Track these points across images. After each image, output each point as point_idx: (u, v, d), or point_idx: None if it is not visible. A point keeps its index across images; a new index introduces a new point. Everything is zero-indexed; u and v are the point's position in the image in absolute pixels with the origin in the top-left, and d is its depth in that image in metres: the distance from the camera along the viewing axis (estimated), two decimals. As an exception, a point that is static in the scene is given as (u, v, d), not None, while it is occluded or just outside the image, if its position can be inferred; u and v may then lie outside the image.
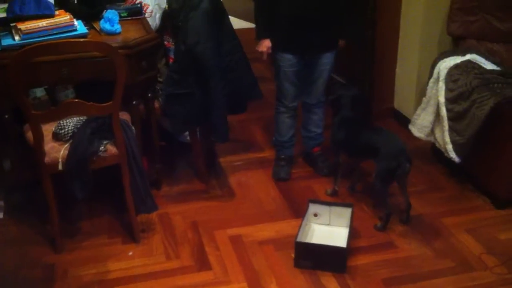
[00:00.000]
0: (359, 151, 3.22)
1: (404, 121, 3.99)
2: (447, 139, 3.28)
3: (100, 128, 2.81)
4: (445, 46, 3.79)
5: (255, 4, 3.30)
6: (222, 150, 3.85)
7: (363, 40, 4.11)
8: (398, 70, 4.20)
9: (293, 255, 2.83)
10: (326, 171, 3.60)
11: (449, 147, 3.28)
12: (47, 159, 2.70)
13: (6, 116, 2.88)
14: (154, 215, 3.21)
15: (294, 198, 3.39)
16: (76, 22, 2.94)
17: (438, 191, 3.45)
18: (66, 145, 2.75)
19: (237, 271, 2.80)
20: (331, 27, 3.28)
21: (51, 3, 2.98)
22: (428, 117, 3.46)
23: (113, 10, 3.08)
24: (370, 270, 2.80)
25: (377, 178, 3.03)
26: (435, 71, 3.41)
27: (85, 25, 3.01)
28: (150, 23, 3.29)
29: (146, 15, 3.36)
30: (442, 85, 3.32)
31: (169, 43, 3.42)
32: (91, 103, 2.64)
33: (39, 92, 3.40)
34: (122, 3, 3.35)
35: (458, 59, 3.38)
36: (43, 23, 2.83)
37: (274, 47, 3.30)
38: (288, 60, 3.32)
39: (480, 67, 3.30)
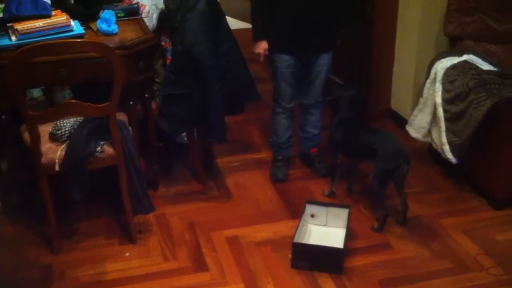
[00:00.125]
0: (357, 152, 3.22)
1: (401, 121, 3.99)
2: (444, 140, 3.28)
3: (97, 129, 2.81)
4: (442, 47, 3.79)
5: (252, 5, 3.29)
6: (219, 151, 3.85)
7: (360, 40, 4.11)
8: (395, 71, 4.20)
9: (290, 256, 2.83)
10: (323, 172, 3.60)
11: (446, 148, 3.28)
12: (43, 160, 2.69)
13: (3, 117, 2.88)
14: (151, 216, 3.21)
15: (291, 199, 3.39)
16: (72, 23, 2.94)
17: (435, 192, 3.46)
18: (63, 146, 2.74)
19: (234, 272, 2.80)
20: (329, 28, 3.29)
21: (48, 3, 2.97)
22: (425, 118, 3.46)
23: (110, 11, 3.08)
24: (367, 271, 2.80)
25: (375, 180, 3.03)
26: (432, 71, 3.41)
27: (81, 26, 3.01)
28: (147, 23, 3.28)
29: (143, 15, 3.36)
30: (439, 86, 3.32)
31: (166, 43, 3.42)
32: (88, 103, 2.64)
33: (36, 92, 3.39)
34: (119, 4, 3.34)
35: (455, 60, 3.39)
36: (39, 23, 2.83)
37: (271, 48, 3.30)
38: (285, 61, 3.32)
39: (477, 67, 3.30)
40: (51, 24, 2.85)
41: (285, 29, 3.25)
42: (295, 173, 3.66)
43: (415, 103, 3.61)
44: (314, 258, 2.79)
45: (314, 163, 3.67)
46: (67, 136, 2.77)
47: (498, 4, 3.60)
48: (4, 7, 2.93)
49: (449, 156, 3.28)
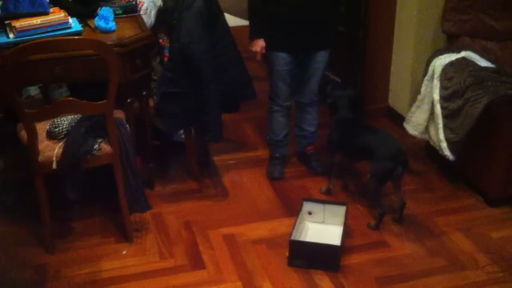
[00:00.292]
0: (355, 151, 3.22)
1: (398, 119, 3.99)
2: (442, 137, 3.29)
3: (94, 127, 2.81)
4: (439, 44, 3.79)
5: (249, 4, 3.29)
6: (215, 149, 3.85)
7: (356, 37, 4.12)
8: (392, 68, 4.21)
9: (286, 254, 2.84)
10: (320, 170, 3.60)
11: (444, 145, 3.29)
12: (41, 158, 2.69)
13: (0, 115, 2.87)
14: (147, 215, 3.21)
15: (288, 197, 3.40)
16: (70, 20, 2.93)
17: (431, 190, 3.47)
18: (60, 144, 2.74)
19: (231, 270, 2.80)
20: (326, 26, 3.29)
21: (45, 0, 2.96)
22: (423, 115, 3.46)
23: (108, 8, 3.07)
24: (363, 269, 2.81)
25: (372, 179, 3.03)
26: (430, 68, 3.42)
27: (79, 23, 3.00)
28: (145, 20, 3.27)
29: (141, 12, 3.35)
30: (436, 83, 3.32)
31: (163, 41, 3.41)
32: (85, 101, 2.63)
33: (33, 90, 3.39)
34: (117, 1, 3.33)
35: (453, 57, 3.39)
36: (37, 20, 2.82)
37: (268, 46, 3.30)
38: (282, 59, 3.32)
39: (474, 64, 3.30)
40: (49, 21, 2.84)
41: (281, 27, 3.24)
42: (291, 171, 3.66)
43: (413, 100, 3.61)
44: (310, 256, 2.79)
45: (310, 161, 3.67)
46: (65, 134, 2.77)
47: (494, 1, 3.60)
48: (2, 4, 2.92)
49: (447, 153, 3.28)
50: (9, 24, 2.83)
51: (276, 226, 3.12)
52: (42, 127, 2.80)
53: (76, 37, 2.83)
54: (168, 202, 3.33)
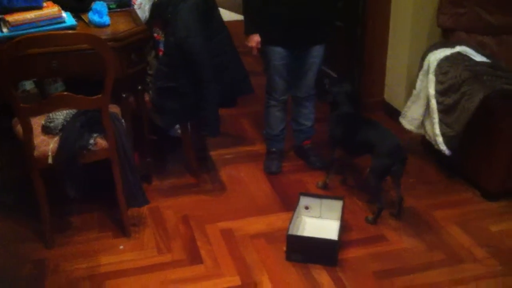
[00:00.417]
0: (356, 147, 3.20)
1: (394, 113, 4.00)
2: (437, 131, 3.29)
3: (90, 122, 2.79)
4: (435, 39, 3.79)
5: (245, 1, 3.27)
6: (213, 144, 3.84)
7: (354, 33, 4.11)
8: (388, 63, 4.21)
9: (284, 248, 2.83)
10: (319, 164, 3.60)
11: (439, 139, 3.28)
12: (36, 153, 2.67)
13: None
14: (145, 209, 3.19)
15: (285, 191, 3.39)
16: (64, 14, 2.91)
17: (429, 184, 3.47)
18: (56, 138, 2.72)
19: (229, 264, 2.79)
20: (322, 21, 3.28)
21: (39, -6, 2.94)
22: (418, 110, 3.46)
23: (102, 2, 3.05)
24: (361, 263, 2.80)
25: (372, 174, 3.03)
26: (425, 63, 3.41)
27: (73, 17, 2.98)
28: (140, 15, 3.26)
29: (135, 6, 3.33)
30: (432, 78, 3.32)
31: (158, 35, 3.39)
32: (81, 96, 2.62)
33: (28, 85, 3.37)
34: (111, -5, 3.32)
35: (448, 51, 3.38)
36: (31, 15, 2.80)
37: (263, 41, 3.29)
38: (278, 53, 3.31)
39: (470, 59, 3.30)
40: (43, 15, 2.82)
41: (277, 22, 3.23)
42: (288, 166, 3.66)
43: (408, 94, 3.61)
44: (308, 250, 2.79)
45: (308, 156, 3.67)
46: (60, 129, 2.75)
47: (490, -5, 3.61)
48: (-5, -1, 2.90)
49: (443, 147, 3.28)
50: (3, 19, 2.80)
51: (273, 221, 3.12)
52: (37, 122, 2.78)
53: (71, 31, 2.80)
54: (166, 197, 3.32)
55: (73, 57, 2.78)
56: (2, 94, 2.52)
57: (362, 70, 4.24)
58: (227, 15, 4.05)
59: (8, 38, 2.64)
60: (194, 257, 2.84)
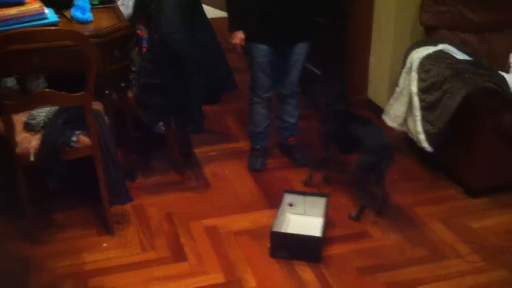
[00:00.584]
0: (348, 143, 3.18)
1: (377, 111, 4.01)
2: (420, 128, 3.31)
3: (72, 119, 2.77)
4: (418, 37, 3.81)
5: None
6: (197, 141, 3.83)
7: (337, 30, 4.12)
8: (371, 60, 4.22)
9: (268, 245, 2.83)
10: (303, 161, 3.61)
11: (422, 136, 3.30)
12: (18, 150, 2.65)
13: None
14: (128, 207, 3.18)
15: (270, 188, 3.40)
16: (46, 10, 2.89)
17: (412, 180, 3.49)
18: (38, 136, 2.70)
19: (213, 261, 2.79)
20: (305, 18, 3.29)
21: (21, -10, 2.91)
22: (401, 107, 3.48)
23: (85, -2, 3.04)
24: (344, 260, 2.81)
25: (357, 170, 3.05)
26: (408, 61, 3.43)
27: (55, 13, 2.96)
28: (123, 11, 3.24)
29: (119, 3, 3.32)
30: (414, 75, 3.34)
31: (142, 32, 3.37)
32: (63, 93, 2.60)
33: (10, 81, 3.34)
34: (94, -9, 3.29)
35: (430, 49, 3.40)
36: (13, 11, 2.77)
37: (247, 38, 3.29)
38: (262, 50, 3.31)
39: (452, 57, 3.32)
40: (25, 12, 2.80)
41: (260, 19, 3.24)
42: (273, 163, 3.66)
43: (391, 92, 3.63)
44: (292, 247, 2.80)
45: (293, 153, 3.67)
46: (42, 126, 2.73)
47: (472, -7, 3.64)
48: (-24, -6, 2.86)
49: (425, 145, 3.30)
50: (-16, 15, 2.78)
51: (258, 218, 3.12)
52: (19, 119, 2.76)
53: (54, 28, 2.79)
54: (150, 194, 3.31)
55: (56, 53, 2.76)
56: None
57: (346, 68, 4.25)
58: (211, 12, 4.03)
59: (-10, 35, 2.61)
60: (178, 255, 2.84)
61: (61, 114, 2.76)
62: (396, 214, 3.16)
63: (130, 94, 3.27)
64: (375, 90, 4.27)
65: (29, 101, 2.65)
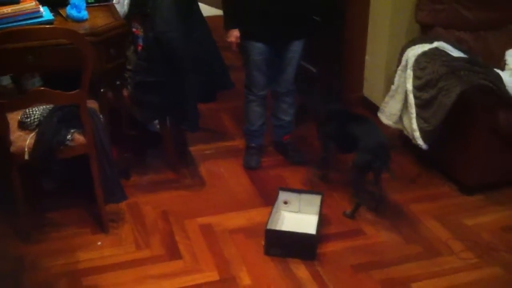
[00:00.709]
0: (345, 142, 3.19)
1: (373, 108, 4.01)
2: (415, 126, 3.31)
3: (67, 117, 2.77)
4: (413, 34, 3.82)
5: None
6: (192, 139, 3.83)
7: (334, 27, 4.12)
8: (367, 58, 4.23)
9: (263, 243, 2.84)
10: (297, 159, 3.61)
11: (417, 134, 3.31)
12: (13, 149, 2.65)
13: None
14: (123, 205, 3.18)
15: (265, 186, 3.40)
16: (42, 9, 2.89)
17: (406, 178, 3.49)
18: (32, 134, 2.70)
19: (208, 259, 2.80)
20: (301, 16, 3.29)
21: (16, -11, 2.91)
22: (396, 105, 3.49)
23: (80, -4, 3.03)
24: (339, 257, 2.82)
25: (353, 168, 3.05)
26: (403, 58, 3.44)
27: (51, 12, 2.96)
28: (118, 9, 3.24)
29: (114, 1, 3.31)
30: (410, 73, 3.34)
31: (137, 30, 3.37)
32: (58, 91, 2.60)
33: (5, 80, 3.33)
34: (89, -11, 3.29)
35: (426, 47, 3.41)
36: (8, 9, 2.78)
37: (243, 36, 3.29)
38: (257, 48, 3.31)
39: (447, 54, 3.33)
40: (20, 10, 2.80)
41: (255, 17, 3.24)
42: (268, 161, 3.67)
43: (387, 90, 3.63)
44: (287, 245, 2.80)
45: (287, 150, 3.68)
46: (37, 124, 2.73)
47: (468, -8, 3.64)
48: (-29, -7, 2.87)
49: (420, 142, 3.31)
50: (-21, 13, 2.78)
51: (253, 216, 3.12)
52: (13, 118, 2.76)
53: (49, 26, 2.79)
54: (145, 192, 3.31)
55: (51, 52, 2.76)
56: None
57: (342, 65, 4.25)
58: (206, 10, 4.03)
59: (-16, 33, 2.61)
60: (173, 253, 2.84)
61: (56, 112, 2.76)
62: (391, 211, 3.16)
63: (125, 92, 3.27)
64: (370, 88, 4.27)
65: (24, 100, 2.65)
